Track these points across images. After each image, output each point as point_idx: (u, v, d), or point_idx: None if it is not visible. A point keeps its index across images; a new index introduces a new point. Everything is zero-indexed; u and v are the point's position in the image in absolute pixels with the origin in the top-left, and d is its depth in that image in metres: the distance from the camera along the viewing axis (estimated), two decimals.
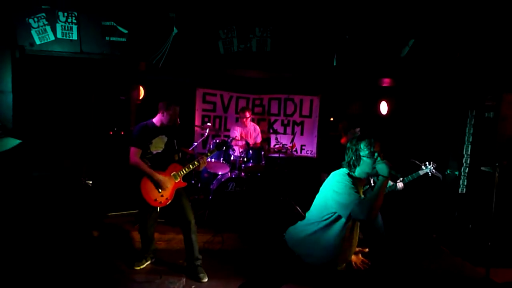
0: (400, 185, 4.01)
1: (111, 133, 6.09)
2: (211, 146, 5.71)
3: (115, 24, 4.24)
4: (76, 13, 4.23)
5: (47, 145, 4.69)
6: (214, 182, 5.64)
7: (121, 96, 6.48)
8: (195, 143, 5.99)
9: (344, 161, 2.74)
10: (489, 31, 4.54)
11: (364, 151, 2.63)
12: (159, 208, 4.13)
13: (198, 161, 4.15)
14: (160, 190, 4.01)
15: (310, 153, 7.44)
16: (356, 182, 2.64)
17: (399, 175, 2.52)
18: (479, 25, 4.52)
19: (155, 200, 4.01)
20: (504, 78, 4.74)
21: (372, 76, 5.03)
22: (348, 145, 2.75)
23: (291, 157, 6.63)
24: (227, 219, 5.32)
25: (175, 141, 4.21)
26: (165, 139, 4.13)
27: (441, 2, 4.41)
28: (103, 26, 4.28)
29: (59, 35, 4.27)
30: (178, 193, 4.11)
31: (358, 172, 2.68)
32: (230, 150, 5.65)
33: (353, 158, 2.66)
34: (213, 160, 5.52)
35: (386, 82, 5.38)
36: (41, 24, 4.20)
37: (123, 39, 4.34)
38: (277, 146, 6.33)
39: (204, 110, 7.18)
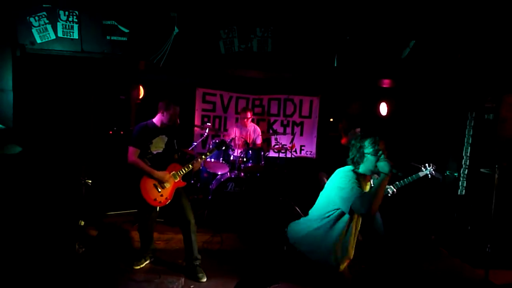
0: (391, 190, 3.99)
1: (110, 132, 6.09)
2: (210, 146, 5.71)
3: (116, 23, 4.24)
4: (77, 12, 4.22)
5: (47, 144, 4.68)
6: (213, 182, 5.64)
7: (121, 95, 6.47)
8: (195, 143, 5.98)
9: (348, 158, 2.78)
10: (489, 32, 4.55)
11: (368, 149, 2.67)
12: (158, 208, 4.13)
13: (193, 163, 4.16)
14: (160, 189, 4.01)
15: (310, 154, 7.45)
16: (360, 179, 2.67)
17: (400, 173, 2.55)
18: (479, 26, 4.53)
19: (155, 199, 4.01)
20: (504, 80, 4.75)
21: (372, 77, 5.03)
22: (353, 142, 2.78)
23: (290, 158, 6.63)
24: (226, 219, 5.32)
25: (175, 141, 4.21)
26: (165, 139, 4.13)
27: (442, 3, 4.42)
28: (104, 25, 4.28)
29: (60, 34, 4.26)
30: (178, 193, 4.11)
31: (362, 169, 2.71)
32: (230, 150, 5.65)
33: (357, 155, 2.70)
34: (212, 160, 5.52)
35: (386, 83, 5.39)
36: (42, 22, 4.19)
37: (124, 39, 4.34)
38: (276, 146, 6.34)
39: (203, 110, 7.18)
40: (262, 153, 5.86)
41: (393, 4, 4.44)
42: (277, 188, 6.44)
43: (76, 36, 4.28)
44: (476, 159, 4.99)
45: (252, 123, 6.54)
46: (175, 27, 4.25)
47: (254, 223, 5.29)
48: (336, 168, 2.82)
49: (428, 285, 4.30)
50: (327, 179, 4.23)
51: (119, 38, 4.33)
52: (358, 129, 4.43)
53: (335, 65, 4.46)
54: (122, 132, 6.14)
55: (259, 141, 6.47)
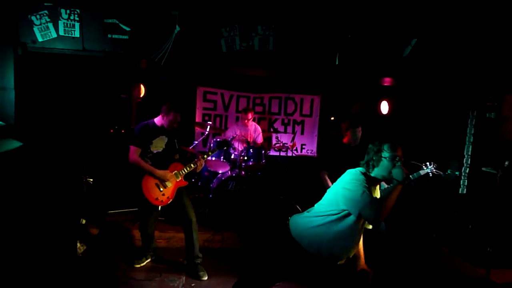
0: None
1: (111, 131, 6.09)
2: (211, 145, 5.71)
3: (117, 22, 4.23)
4: (78, 11, 4.22)
5: (48, 142, 4.68)
6: (214, 181, 5.64)
7: (122, 94, 6.48)
8: (196, 142, 5.99)
9: (362, 161, 2.77)
10: (491, 31, 4.54)
11: (386, 153, 2.64)
12: (160, 207, 4.13)
13: (195, 163, 4.16)
14: (161, 189, 4.01)
15: (311, 153, 7.45)
16: (370, 182, 2.64)
17: (413, 183, 2.54)
18: (481, 25, 4.52)
19: (157, 199, 4.01)
20: (506, 79, 4.74)
21: (374, 76, 5.02)
22: (370, 146, 2.76)
23: (291, 156, 6.63)
24: (227, 218, 5.32)
25: (175, 140, 4.22)
26: (166, 139, 4.13)
27: (444, 2, 4.41)
28: (105, 23, 4.27)
29: (61, 33, 4.26)
30: (179, 192, 4.12)
31: (375, 173, 2.69)
32: (231, 149, 5.65)
33: (374, 158, 2.67)
34: (213, 158, 5.52)
35: (387, 81, 5.38)
36: (43, 21, 4.19)
37: (125, 37, 4.33)
38: (277, 145, 6.33)
39: (204, 108, 7.18)
40: (263, 151, 5.86)
41: (395, 2, 4.43)
42: (278, 186, 6.43)
43: (77, 34, 4.28)
44: (477, 158, 4.98)
45: (253, 122, 6.53)
46: (177, 26, 4.24)
47: (255, 221, 5.29)
48: (337, 167, 2.81)
49: (429, 284, 4.30)
50: (329, 178, 4.25)
51: (120, 37, 4.33)
52: (360, 128, 4.42)
53: (337, 63, 4.45)
54: (123, 131, 6.14)
55: (259, 140, 6.47)
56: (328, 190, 2.82)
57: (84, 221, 4.85)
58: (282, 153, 6.45)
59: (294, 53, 4.54)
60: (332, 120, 7.41)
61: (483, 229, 4.66)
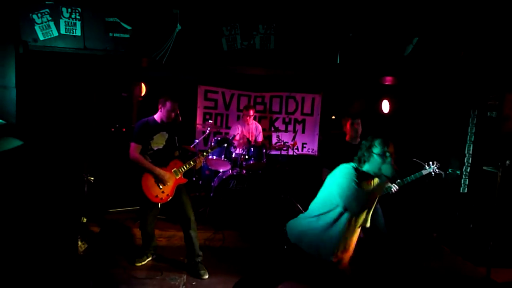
0: (394, 188, 3.99)
1: (112, 129, 6.09)
2: (212, 144, 5.71)
3: (118, 20, 4.23)
4: (79, 9, 4.22)
5: (49, 141, 4.69)
6: (215, 180, 5.64)
7: (123, 92, 6.48)
8: (197, 140, 5.99)
9: (355, 156, 2.80)
10: (493, 30, 4.53)
11: (377, 149, 2.66)
12: (160, 205, 4.13)
13: (195, 161, 4.16)
14: (161, 186, 4.02)
15: (312, 151, 7.45)
16: (361, 177, 2.66)
17: (398, 181, 2.58)
18: (483, 24, 4.51)
19: (156, 196, 4.02)
20: (507, 78, 4.74)
21: (375, 74, 5.02)
22: (363, 142, 2.80)
23: (292, 155, 6.63)
24: (228, 217, 5.33)
25: (176, 137, 4.21)
26: (166, 135, 4.13)
27: (446, 0, 4.40)
28: (106, 22, 4.27)
29: (62, 31, 4.26)
30: (179, 190, 4.12)
31: (366, 168, 2.71)
32: (232, 147, 5.65)
33: (365, 154, 2.71)
34: (214, 157, 5.52)
35: (388, 80, 5.37)
36: (44, 20, 4.19)
37: (127, 36, 4.33)
38: (278, 144, 6.33)
39: (205, 107, 7.19)
40: (264, 150, 5.86)
41: (396, 1, 4.42)
42: (279, 185, 6.44)
43: (78, 33, 4.28)
44: (478, 157, 4.98)
45: (253, 121, 6.54)
46: (178, 24, 4.24)
47: (256, 220, 5.29)
48: (339, 164, 2.81)
49: (429, 282, 4.30)
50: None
51: (122, 35, 4.33)
52: (359, 120, 4.43)
53: (338, 62, 4.45)
54: (124, 130, 6.14)
55: (260, 138, 6.47)
56: (321, 189, 2.84)
57: (85, 220, 4.86)
58: (283, 152, 6.45)
59: (295, 52, 4.54)
60: (333, 119, 7.40)
61: (484, 228, 4.66)
